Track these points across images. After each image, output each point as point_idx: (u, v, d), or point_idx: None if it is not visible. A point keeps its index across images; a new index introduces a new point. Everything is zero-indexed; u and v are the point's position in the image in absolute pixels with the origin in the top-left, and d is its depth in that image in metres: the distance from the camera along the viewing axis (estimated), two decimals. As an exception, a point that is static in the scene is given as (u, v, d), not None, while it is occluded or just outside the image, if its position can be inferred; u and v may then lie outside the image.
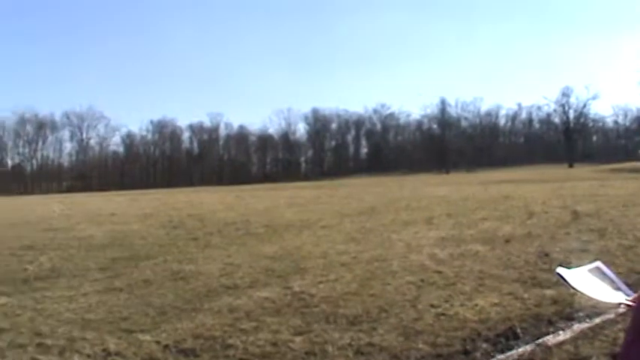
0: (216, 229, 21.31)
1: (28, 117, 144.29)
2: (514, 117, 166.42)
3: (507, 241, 15.33)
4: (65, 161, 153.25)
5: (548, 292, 9.61)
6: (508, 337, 7.54)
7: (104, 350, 7.54)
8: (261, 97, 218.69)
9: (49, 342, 7.97)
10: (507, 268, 11.87)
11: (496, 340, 7.46)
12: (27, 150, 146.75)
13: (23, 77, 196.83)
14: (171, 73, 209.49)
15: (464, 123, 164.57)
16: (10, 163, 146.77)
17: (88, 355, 7.41)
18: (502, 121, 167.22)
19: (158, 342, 7.83)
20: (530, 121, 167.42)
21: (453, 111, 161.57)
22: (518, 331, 7.71)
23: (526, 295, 9.49)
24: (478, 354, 7.07)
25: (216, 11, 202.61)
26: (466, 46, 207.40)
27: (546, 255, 13.02)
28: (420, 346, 7.30)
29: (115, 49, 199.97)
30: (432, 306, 9.03)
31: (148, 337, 8.01)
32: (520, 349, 7.17)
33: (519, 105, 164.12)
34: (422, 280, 10.92)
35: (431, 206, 27.06)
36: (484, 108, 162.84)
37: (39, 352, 7.62)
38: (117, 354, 7.41)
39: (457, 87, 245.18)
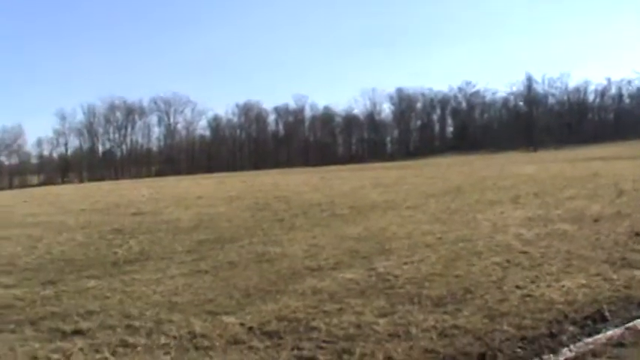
0: (301, 210, 21.43)
1: (117, 104, 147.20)
2: (603, 92, 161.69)
3: (596, 220, 15.06)
4: (154, 146, 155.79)
5: (639, 273, 9.41)
6: (596, 320, 7.40)
7: (190, 332, 7.66)
8: (346, 78, 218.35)
9: (137, 324, 8.14)
10: (596, 248, 11.65)
11: (583, 323, 7.33)
12: (117, 136, 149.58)
13: (111, 65, 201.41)
14: (255, 57, 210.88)
15: (551, 100, 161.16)
16: (101, 149, 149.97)
17: (175, 337, 7.53)
18: (591, 97, 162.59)
19: (242, 324, 7.91)
20: (620, 96, 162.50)
21: (539, 87, 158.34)
22: (607, 313, 7.55)
23: (615, 277, 9.30)
24: (564, 337, 6.94)
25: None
26: (553, 21, 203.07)
27: (637, 235, 12.75)
28: (505, 328, 7.22)
29: (200, 34, 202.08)
30: (518, 287, 8.93)
31: (232, 319, 8.10)
32: (608, 333, 7.02)
33: (608, 80, 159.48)
34: (507, 261, 10.81)
35: (517, 185, 26.74)
36: (572, 84, 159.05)
37: (127, 333, 7.79)
38: (202, 336, 7.51)
39: (544, 63, 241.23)
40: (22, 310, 9.27)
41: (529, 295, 8.48)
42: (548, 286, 8.92)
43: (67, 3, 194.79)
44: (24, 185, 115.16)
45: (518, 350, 6.61)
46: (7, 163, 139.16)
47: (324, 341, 7.16)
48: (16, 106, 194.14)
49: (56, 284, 11.09)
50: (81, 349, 7.23)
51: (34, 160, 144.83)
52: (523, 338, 6.92)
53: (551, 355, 6.47)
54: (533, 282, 9.19)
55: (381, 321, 7.73)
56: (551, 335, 6.98)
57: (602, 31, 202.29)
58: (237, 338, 7.39)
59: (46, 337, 7.84)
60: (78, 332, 7.92)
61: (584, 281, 9.04)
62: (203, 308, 8.81)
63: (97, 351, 7.15)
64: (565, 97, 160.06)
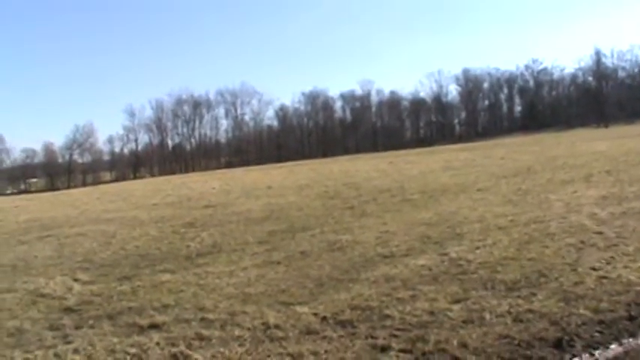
0: (371, 197, 21.43)
1: (184, 98, 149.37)
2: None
3: (673, 196, 14.73)
4: (222, 138, 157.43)
5: None
6: (676, 301, 7.24)
7: (264, 323, 7.71)
8: (411, 61, 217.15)
9: (211, 316, 8.23)
10: (674, 225, 11.40)
11: (663, 305, 7.18)
12: (185, 130, 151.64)
13: (177, 60, 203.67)
14: (319, 44, 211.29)
15: (621, 73, 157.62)
16: (170, 143, 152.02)
17: (249, 329, 7.59)
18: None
19: (316, 314, 7.94)
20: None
21: (608, 61, 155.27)
22: (688, 293, 7.39)
23: (695, 255, 9.09)
24: (644, 319, 6.82)
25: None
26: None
27: None
28: (582, 311, 7.10)
29: (263, 25, 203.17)
30: (594, 269, 8.77)
31: (305, 309, 8.14)
32: (690, 313, 6.87)
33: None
34: (582, 242, 10.63)
35: (589, 163, 26.30)
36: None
37: (202, 326, 7.88)
38: (276, 327, 7.56)
39: (612, 36, 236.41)
40: (100, 305, 9.46)
41: (605, 277, 8.32)
42: (625, 266, 8.75)
43: (132, 0, 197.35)
44: (97, 182, 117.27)
45: (596, 335, 6.49)
46: (80, 161, 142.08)
47: (397, 329, 7.14)
48: (87, 105, 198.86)
49: (132, 279, 11.29)
50: (157, 344, 7.34)
51: (105, 157, 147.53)
52: (601, 322, 6.79)
53: (631, 339, 6.34)
54: (609, 263, 9.02)
55: (455, 307, 7.68)
56: (630, 318, 6.83)
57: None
58: (310, 328, 7.42)
59: (123, 331, 7.99)
60: (154, 326, 8.05)
61: (662, 261, 8.84)
62: (276, 299, 8.87)
63: (172, 344, 7.25)
64: (636, 70, 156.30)
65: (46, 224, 22.56)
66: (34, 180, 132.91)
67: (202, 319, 8.16)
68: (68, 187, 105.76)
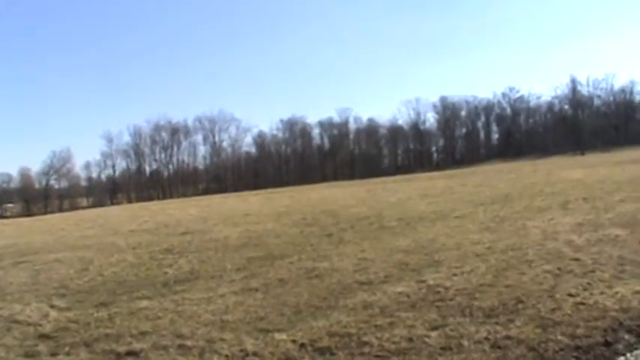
0: (349, 224, 21.41)
1: (162, 124, 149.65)
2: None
3: (648, 223, 14.85)
4: (200, 164, 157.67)
5: (695, 277, 9.28)
6: (652, 327, 7.30)
7: (242, 350, 7.70)
8: (389, 89, 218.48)
9: (189, 343, 8.20)
10: (649, 252, 11.49)
11: (639, 331, 7.22)
12: (163, 156, 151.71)
13: (155, 86, 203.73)
14: (298, 71, 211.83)
15: (597, 101, 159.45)
16: (148, 169, 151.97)
17: (227, 356, 7.58)
18: (637, 97, 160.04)
19: (294, 341, 7.93)
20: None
21: (584, 90, 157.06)
22: (663, 320, 7.45)
23: (670, 281, 9.16)
24: (620, 345, 6.86)
25: (338, 5, 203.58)
26: (596, 22, 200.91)
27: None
28: (559, 337, 7.15)
29: (242, 51, 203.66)
30: (570, 295, 8.84)
31: (284, 337, 8.12)
32: (666, 340, 6.93)
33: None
34: (559, 269, 10.70)
35: (566, 190, 26.47)
36: (617, 84, 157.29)
37: (180, 353, 7.85)
38: (254, 354, 7.55)
39: (588, 65, 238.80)
40: (77, 332, 9.38)
41: (582, 303, 8.38)
42: (602, 293, 8.82)
43: (111, 25, 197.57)
44: (74, 208, 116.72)
45: (573, 360, 6.54)
46: (57, 186, 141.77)
47: (376, 356, 7.16)
48: (64, 130, 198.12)
49: (109, 306, 11.21)
50: (135, 371, 7.30)
51: (83, 183, 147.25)
52: (577, 347, 6.85)
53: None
54: (585, 289, 9.09)
55: (433, 334, 7.70)
56: (607, 344, 6.90)
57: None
58: (289, 355, 7.42)
59: (100, 358, 7.95)
60: (131, 353, 8.01)
61: (638, 287, 8.90)
62: (254, 326, 8.84)
63: (150, 372, 7.21)
64: (611, 99, 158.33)
65: (22, 250, 22.36)
66: (10, 205, 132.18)
67: (180, 346, 8.12)
68: (45, 213, 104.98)
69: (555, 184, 31.52)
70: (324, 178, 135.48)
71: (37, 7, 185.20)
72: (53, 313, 10.97)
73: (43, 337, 9.31)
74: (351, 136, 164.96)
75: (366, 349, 7.39)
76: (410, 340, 7.58)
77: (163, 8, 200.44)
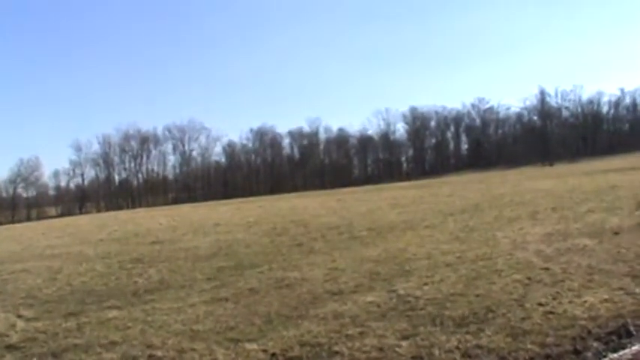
0: (319, 234, 21.41)
1: (131, 133, 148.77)
2: (617, 103, 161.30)
3: (616, 233, 14.99)
4: (169, 174, 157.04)
5: (663, 285, 9.36)
6: (620, 335, 7.35)
7: (212, 360, 7.66)
8: (359, 99, 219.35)
9: (159, 353, 8.15)
10: (617, 262, 11.58)
11: (608, 339, 7.29)
12: (132, 165, 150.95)
13: (124, 95, 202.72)
14: (268, 81, 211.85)
15: (565, 112, 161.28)
16: (117, 178, 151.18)
17: (198, 366, 7.54)
18: (605, 108, 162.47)
19: (265, 350, 7.92)
20: (634, 105, 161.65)
21: (552, 101, 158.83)
22: (632, 328, 7.51)
23: (638, 290, 9.24)
24: (589, 353, 6.91)
25: (309, 15, 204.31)
26: (563, 34, 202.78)
27: (659, 247, 12.67)
28: (529, 346, 7.19)
29: (211, 61, 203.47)
30: (540, 304, 8.88)
31: (255, 346, 8.10)
32: (634, 348, 6.98)
33: (622, 90, 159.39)
34: (528, 278, 10.75)
35: (535, 200, 26.65)
36: (585, 96, 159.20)
37: (150, 363, 7.80)
38: (225, 364, 7.51)
39: (556, 76, 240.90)
40: (45, 342, 9.31)
41: (551, 312, 8.43)
42: (571, 302, 8.87)
43: (80, 34, 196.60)
44: (42, 217, 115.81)
45: (543, 369, 6.58)
46: (24, 195, 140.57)
47: (347, 366, 7.15)
48: (33, 138, 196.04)
49: (78, 316, 11.13)
50: (104, 381, 7.24)
51: (51, 192, 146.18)
52: (547, 356, 6.89)
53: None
54: (555, 298, 9.14)
55: (404, 343, 7.71)
56: (576, 352, 6.94)
57: (614, 42, 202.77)
58: (260, 365, 7.40)
59: (69, 369, 7.87)
60: (101, 364, 7.95)
61: (606, 296, 8.98)
62: (225, 336, 8.80)
63: (120, 382, 7.16)
64: (579, 110, 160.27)
65: (-11, 260, 22.18)
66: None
67: (150, 356, 8.08)
68: (12, 222, 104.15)
69: (524, 194, 31.73)
70: (294, 188, 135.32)
71: (6, 12, 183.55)
72: (20, 324, 10.87)
73: (10, 347, 9.24)
74: (321, 146, 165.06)
75: (337, 359, 7.39)
76: (381, 349, 7.58)
77: (133, 18, 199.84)
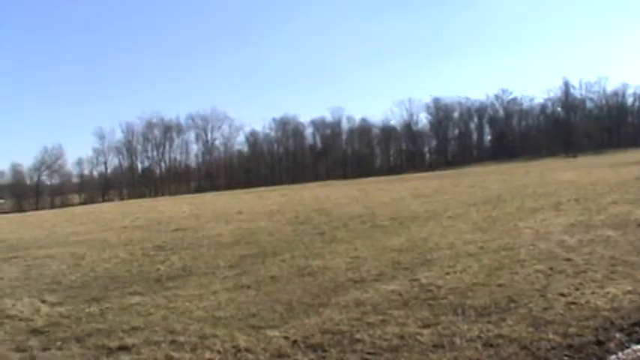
0: (341, 223, 21.42)
1: (154, 121, 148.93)
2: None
3: (640, 225, 14.87)
4: (192, 162, 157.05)
5: (686, 277, 9.29)
6: (644, 327, 7.31)
7: (234, 347, 7.68)
8: (382, 89, 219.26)
9: (181, 339, 8.18)
10: (641, 253, 11.50)
11: (631, 330, 7.23)
12: (155, 153, 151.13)
13: (148, 83, 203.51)
14: (291, 70, 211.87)
15: (589, 104, 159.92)
16: (140, 166, 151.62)
17: (219, 352, 7.56)
18: (629, 100, 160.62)
19: (286, 337, 7.93)
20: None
21: (577, 92, 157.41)
22: (655, 319, 7.46)
23: (662, 282, 9.18)
24: (612, 344, 6.86)
25: (332, 3, 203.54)
26: (589, 25, 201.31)
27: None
28: (551, 336, 7.15)
29: (234, 50, 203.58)
30: (562, 295, 8.84)
31: (276, 333, 8.12)
32: (657, 339, 6.94)
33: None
34: (551, 269, 10.71)
35: (558, 192, 26.51)
36: (610, 87, 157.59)
37: (172, 349, 7.83)
38: (246, 350, 7.54)
39: (581, 67, 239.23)
40: (68, 327, 9.36)
41: (574, 303, 8.39)
42: (593, 293, 8.82)
43: (104, 22, 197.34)
44: (65, 204, 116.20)
45: (565, 358, 6.54)
46: (48, 183, 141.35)
47: (368, 353, 7.15)
48: (56, 126, 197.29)
49: (100, 301, 11.20)
50: (127, 365, 7.29)
51: (74, 180, 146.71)
52: (569, 346, 6.85)
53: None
54: (577, 289, 9.09)
55: (425, 332, 7.70)
56: (598, 343, 6.90)
57: (637, 33, 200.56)
58: (281, 352, 7.41)
59: (92, 353, 7.92)
60: (123, 348, 8.00)
61: (629, 287, 8.92)
62: (247, 322, 8.84)
63: (142, 367, 7.20)
64: (603, 101, 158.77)
65: (13, 245, 22.35)
66: (1, 201, 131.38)
67: (172, 342, 8.10)
68: (36, 209, 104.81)
69: (547, 185, 31.59)
70: (316, 178, 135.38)
71: (30, 3, 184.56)
72: (45, 308, 10.94)
73: (35, 331, 9.30)
74: (344, 135, 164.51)
75: (358, 347, 7.38)
76: (402, 337, 7.57)
77: (157, 5, 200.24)
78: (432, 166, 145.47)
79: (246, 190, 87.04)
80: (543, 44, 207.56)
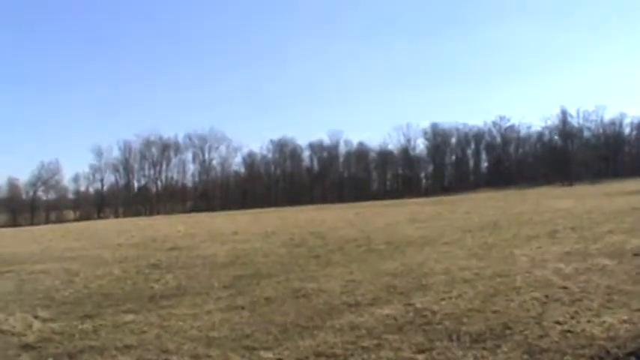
0: (337, 246, 21.41)
1: (152, 139, 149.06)
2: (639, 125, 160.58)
3: (636, 254, 14.84)
4: (189, 182, 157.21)
5: (682, 307, 9.27)
6: (639, 356, 7.27)
7: (228, 367, 7.66)
8: (380, 113, 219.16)
9: (174, 358, 8.19)
10: (637, 283, 11.47)
11: (626, 359, 7.21)
12: (152, 172, 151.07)
13: (147, 101, 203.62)
14: (290, 92, 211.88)
15: (586, 133, 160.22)
16: (136, 184, 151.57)
17: (213, 372, 7.54)
18: (627, 130, 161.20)
19: (280, 359, 7.91)
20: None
21: (574, 121, 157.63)
22: (651, 349, 7.43)
23: (659, 312, 9.15)
24: (607, 373, 6.85)
25: (332, 29, 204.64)
26: (587, 54, 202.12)
27: (679, 269, 12.56)
28: (546, 364, 7.13)
29: (234, 71, 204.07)
30: (558, 323, 8.81)
31: (270, 355, 8.10)
32: (653, 369, 6.92)
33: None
34: (546, 296, 10.68)
35: (554, 220, 26.50)
36: (607, 117, 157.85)
37: (165, 368, 7.81)
38: (240, 371, 7.51)
39: (578, 96, 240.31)
40: (61, 343, 9.36)
41: (569, 331, 8.36)
42: (589, 321, 8.80)
43: (102, 38, 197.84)
44: (61, 220, 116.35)
45: (560, 387, 6.53)
46: (44, 198, 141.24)
47: (362, 377, 7.14)
48: (54, 142, 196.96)
49: (94, 318, 11.19)
50: (119, 383, 7.26)
51: (70, 196, 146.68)
52: (564, 375, 6.83)
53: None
54: (573, 317, 9.07)
55: (420, 357, 7.68)
56: (594, 372, 6.88)
57: (638, 64, 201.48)
58: (275, 374, 7.39)
59: (84, 370, 7.89)
60: (116, 366, 7.97)
61: (625, 317, 8.89)
62: (240, 343, 8.81)
63: (135, 385, 7.17)
64: (600, 131, 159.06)
65: (7, 259, 22.34)
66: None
67: (165, 361, 8.08)
68: (31, 224, 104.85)
69: (544, 213, 31.60)
70: (312, 200, 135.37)
71: (26, 18, 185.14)
72: (37, 324, 10.94)
73: (27, 347, 9.30)
74: (341, 159, 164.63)
75: (353, 370, 7.37)
76: (396, 362, 7.55)
77: (157, 23, 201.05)
78: (428, 192, 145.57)
79: (242, 211, 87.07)
80: (541, 73, 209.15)
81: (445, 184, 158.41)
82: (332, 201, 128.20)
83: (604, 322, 8.70)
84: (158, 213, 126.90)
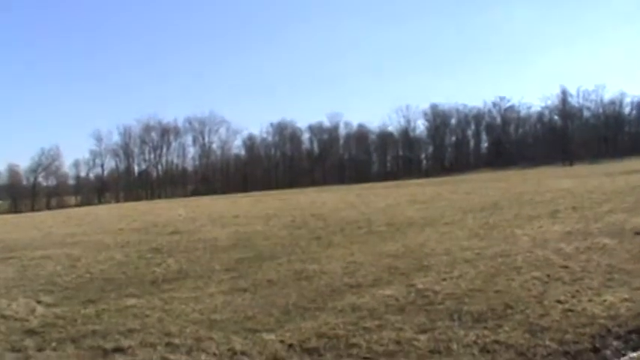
0: (338, 228, 21.42)
1: (152, 124, 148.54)
2: (639, 105, 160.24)
3: (637, 233, 14.85)
4: (189, 166, 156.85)
5: (683, 285, 9.29)
6: (640, 334, 7.31)
7: (230, 349, 7.70)
8: (380, 95, 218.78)
9: (177, 341, 8.20)
10: (637, 261, 11.50)
11: (627, 337, 7.24)
12: (152, 156, 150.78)
13: (146, 86, 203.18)
14: (290, 75, 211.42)
15: (586, 113, 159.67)
16: (136, 169, 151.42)
17: (215, 354, 7.58)
18: (627, 109, 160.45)
19: (282, 341, 7.95)
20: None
21: (574, 101, 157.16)
22: (652, 327, 7.46)
23: (659, 290, 9.17)
24: (608, 352, 6.88)
25: (331, 11, 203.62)
26: (587, 34, 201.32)
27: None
28: (547, 343, 7.16)
29: (234, 54, 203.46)
30: (559, 302, 8.85)
31: (272, 337, 8.13)
32: (655, 347, 6.94)
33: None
34: (548, 276, 10.71)
35: (555, 200, 26.46)
36: (607, 96, 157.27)
37: (168, 351, 7.85)
38: (242, 353, 7.55)
39: (578, 76, 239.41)
40: (64, 328, 9.38)
41: (570, 310, 8.40)
42: (590, 300, 8.83)
43: (101, 23, 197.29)
44: (61, 206, 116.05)
45: (562, 365, 6.55)
46: (45, 184, 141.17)
47: (364, 358, 7.19)
48: (54, 127, 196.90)
49: (96, 303, 11.22)
50: (122, 367, 7.28)
51: (71, 182, 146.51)
52: (566, 353, 6.86)
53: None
54: (574, 296, 9.10)
55: (422, 337, 7.71)
56: (595, 350, 6.91)
57: (638, 43, 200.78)
58: (277, 355, 7.42)
59: (87, 354, 7.93)
60: (119, 350, 8.02)
61: (626, 295, 8.92)
62: (242, 326, 8.85)
63: (138, 368, 7.20)
64: (600, 110, 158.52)
65: (9, 246, 22.32)
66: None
67: (168, 344, 8.12)
68: (32, 210, 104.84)
69: (544, 193, 31.51)
70: (313, 183, 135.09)
71: (24, 3, 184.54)
72: (40, 309, 10.97)
73: (30, 332, 9.33)
74: (341, 141, 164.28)
75: (354, 351, 7.40)
76: (398, 343, 7.58)
77: (156, 8, 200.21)
78: (428, 173, 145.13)
79: (242, 194, 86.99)
80: (541, 52, 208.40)
81: (445, 165, 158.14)
82: (332, 183, 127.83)
83: (605, 300, 8.73)
84: (159, 197, 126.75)
